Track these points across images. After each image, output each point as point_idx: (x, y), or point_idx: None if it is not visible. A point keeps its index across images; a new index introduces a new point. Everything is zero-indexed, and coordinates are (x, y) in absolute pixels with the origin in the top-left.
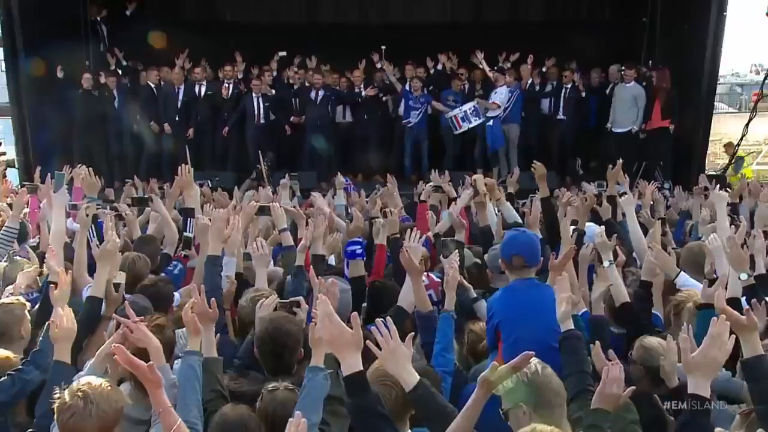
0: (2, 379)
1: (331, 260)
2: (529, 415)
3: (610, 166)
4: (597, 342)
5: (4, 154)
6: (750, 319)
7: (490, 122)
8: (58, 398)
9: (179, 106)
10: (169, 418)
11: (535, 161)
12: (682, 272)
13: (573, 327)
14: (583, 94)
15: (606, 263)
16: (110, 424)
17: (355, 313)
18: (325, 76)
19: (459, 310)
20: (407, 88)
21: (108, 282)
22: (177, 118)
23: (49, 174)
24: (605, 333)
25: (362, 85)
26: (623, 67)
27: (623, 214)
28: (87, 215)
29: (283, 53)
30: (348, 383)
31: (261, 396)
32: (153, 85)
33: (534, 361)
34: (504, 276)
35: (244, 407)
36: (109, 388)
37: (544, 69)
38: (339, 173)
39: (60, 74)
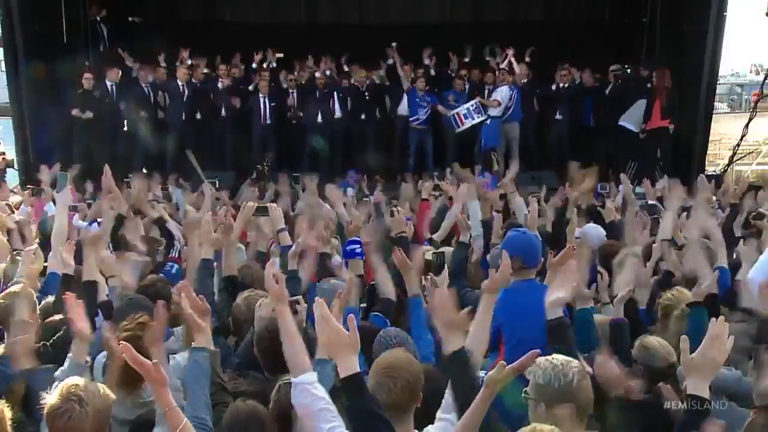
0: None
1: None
2: (545, 416)
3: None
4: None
5: (3, 154)
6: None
7: (488, 121)
8: (46, 402)
9: (184, 102)
10: (175, 417)
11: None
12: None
13: (561, 314)
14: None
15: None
16: (104, 424)
17: (351, 315)
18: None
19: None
20: (412, 86)
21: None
22: (183, 117)
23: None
24: (624, 337)
25: (365, 82)
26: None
27: (623, 215)
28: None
29: (281, 54)
30: (345, 385)
31: (278, 387)
32: (144, 85)
33: (575, 368)
34: None
35: (255, 402)
36: (98, 385)
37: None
38: (352, 171)
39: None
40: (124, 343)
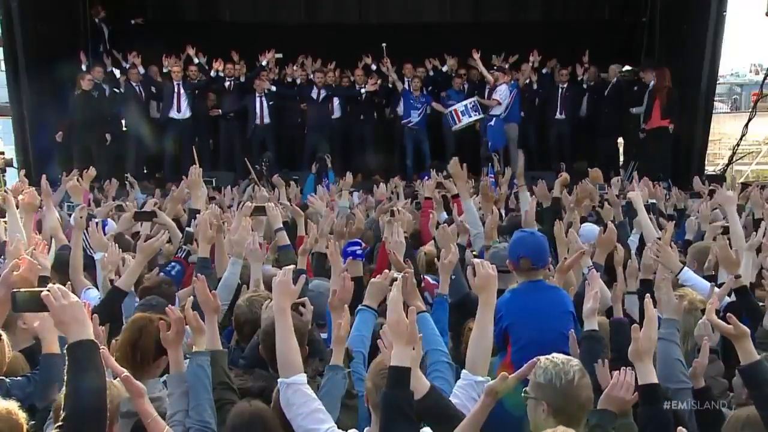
0: (19, 378)
1: None
2: (546, 415)
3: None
4: (601, 361)
5: (2, 153)
6: (737, 327)
7: (492, 121)
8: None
9: (183, 101)
10: (156, 428)
11: (562, 173)
12: (685, 268)
13: (596, 327)
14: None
15: (585, 270)
16: (113, 418)
17: (413, 307)
18: (326, 74)
19: (458, 307)
20: (407, 88)
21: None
22: (178, 114)
23: (44, 175)
24: (625, 337)
25: (363, 84)
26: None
27: (624, 216)
28: (81, 217)
29: (279, 55)
30: (390, 373)
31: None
32: (134, 83)
33: (575, 367)
34: (505, 276)
35: (260, 402)
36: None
37: (544, 71)
38: (349, 173)
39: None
40: (103, 348)
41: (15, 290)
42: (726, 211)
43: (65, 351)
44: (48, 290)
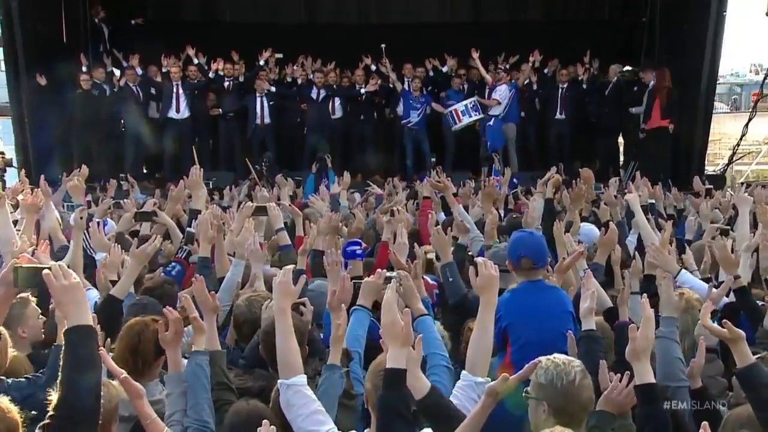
0: (21, 379)
1: None
2: (547, 415)
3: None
4: (603, 362)
5: (2, 153)
6: (732, 331)
7: (491, 121)
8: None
9: (183, 101)
10: (155, 429)
11: (554, 174)
12: (683, 270)
13: (593, 327)
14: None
15: (581, 272)
16: (106, 423)
17: (407, 309)
18: (326, 74)
19: (458, 308)
20: (407, 88)
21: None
22: (177, 115)
23: (42, 176)
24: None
25: (364, 84)
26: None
27: (624, 215)
28: (81, 218)
29: (280, 54)
30: (386, 375)
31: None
32: (132, 84)
33: (577, 367)
34: (506, 275)
35: (258, 402)
36: (108, 381)
37: (546, 71)
38: (347, 173)
39: (42, 81)
40: (102, 349)
41: (17, 265)
42: (739, 211)
43: (62, 335)
44: (50, 268)
